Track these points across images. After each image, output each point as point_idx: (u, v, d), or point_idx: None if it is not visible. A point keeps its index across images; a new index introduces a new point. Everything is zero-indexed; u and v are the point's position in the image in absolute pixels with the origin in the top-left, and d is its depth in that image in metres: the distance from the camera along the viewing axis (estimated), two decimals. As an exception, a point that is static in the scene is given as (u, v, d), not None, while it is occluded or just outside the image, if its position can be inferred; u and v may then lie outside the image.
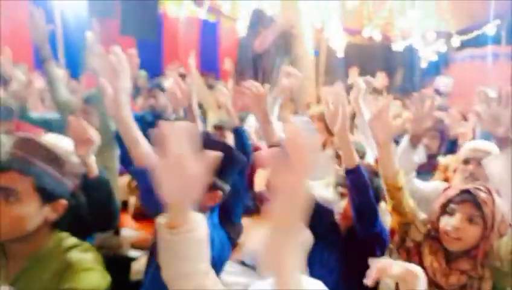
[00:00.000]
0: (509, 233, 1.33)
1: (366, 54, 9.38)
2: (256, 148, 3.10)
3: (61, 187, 1.04)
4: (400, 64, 9.18)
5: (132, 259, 2.09)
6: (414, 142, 1.98)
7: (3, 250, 1.03)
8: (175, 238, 0.72)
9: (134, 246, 2.24)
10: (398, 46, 8.43)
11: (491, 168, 1.81)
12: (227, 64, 4.48)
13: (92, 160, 1.44)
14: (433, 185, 2.11)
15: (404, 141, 2.00)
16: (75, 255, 1.01)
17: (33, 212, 0.98)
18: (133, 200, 2.56)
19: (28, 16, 2.15)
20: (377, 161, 2.82)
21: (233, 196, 2.69)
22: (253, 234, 2.71)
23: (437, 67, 8.83)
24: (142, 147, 1.12)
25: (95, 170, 1.43)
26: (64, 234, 1.05)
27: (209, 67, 7.21)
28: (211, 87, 4.56)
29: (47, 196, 1.00)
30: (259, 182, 3.91)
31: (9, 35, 4.70)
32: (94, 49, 2.29)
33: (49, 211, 1.01)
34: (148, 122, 2.84)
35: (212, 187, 1.34)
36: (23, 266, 1.00)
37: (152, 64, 6.31)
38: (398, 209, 1.50)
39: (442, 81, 8.41)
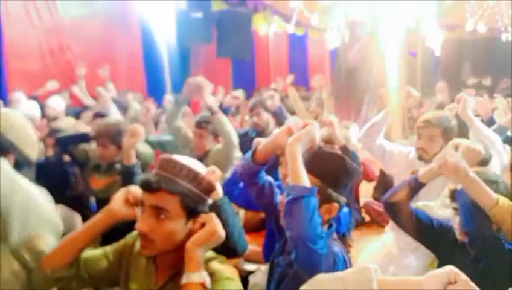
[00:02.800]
0: None
1: (468, 50, 8.59)
2: (362, 162, 3.03)
3: (202, 204, 1.12)
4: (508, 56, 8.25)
5: (249, 272, 2.16)
6: None
7: (153, 260, 1.15)
8: None
9: (248, 259, 2.31)
10: (509, 36, 7.59)
11: None
12: (316, 81, 4.49)
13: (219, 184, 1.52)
14: None
15: None
16: (216, 266, 1.09)
17: (180, 228, 1.08)
18: (241, 213, 2.65)
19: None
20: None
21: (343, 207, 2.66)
22: (365, 250, 2.62)
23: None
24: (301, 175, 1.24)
25: (221, 193, 1.50)
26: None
27: (299, 79, 7.27)
28: (304, 99, 4.58)
29: (191, 212, 1.09)
30: (365, 194, 3.81)
31: (125, 66, 5.29)
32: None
33: (192, 225, 1.10)
34: (251, 138, 2.96)
35: (329, 199, 1.33)
36: (171, 273, 1.11)
37: (247, 82, 6.59)
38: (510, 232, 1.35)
39: None
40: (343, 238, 2.60)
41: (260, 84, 6.89)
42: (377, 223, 3.36)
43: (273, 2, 7.07)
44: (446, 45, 8.22)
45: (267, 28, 7.48)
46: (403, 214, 1.65)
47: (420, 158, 2.39)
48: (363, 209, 3.55)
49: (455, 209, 1.58)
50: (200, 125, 2.52)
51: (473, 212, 1.42)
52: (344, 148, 2.52)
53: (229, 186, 1.76)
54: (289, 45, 8.34)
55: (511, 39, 7.67)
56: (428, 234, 1.65)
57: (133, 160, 1.98)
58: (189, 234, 1.08)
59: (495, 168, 2.29)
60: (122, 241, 1.24)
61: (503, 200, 1.35)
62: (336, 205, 1.34)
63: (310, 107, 4.37)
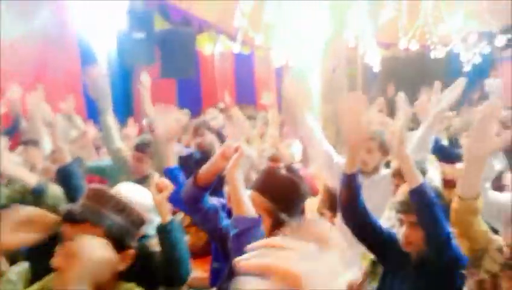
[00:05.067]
0: None
1: (403, 66, 9.17)
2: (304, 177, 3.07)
3: (129, 237, 1.06)
4: (439, 71, 8.89)
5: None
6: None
7: None
8: None
9: (191, 286, 2.23)
10: (437, 54, 8.18)
11: None
12: (265, 99, 4.54)
13: (167, 206, 1.46)
14: (508, 197, 1.94)
15: None
16: None
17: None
18: (186, 238, 2.57)
19: (84, 75, 2.29)
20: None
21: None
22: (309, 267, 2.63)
23: (483, 70, 8.44)
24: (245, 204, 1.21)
25: (168, 216, 1.44)
26: (131, 285, 1.06)
27: (246, 98, 7.33)
28: (250, 118, 4.60)
29: (116, 245, 1.01)
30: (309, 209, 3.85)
31: (62, 87, 5.03)
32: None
33: (117, 261, 1.02)
34: (196, 160, 2.90)
35: (281, 222, 1.31)
36: None
37: (193, 102, 6.53)
38: (467, 234, 1.38)
39: (491, 84, 8.01)
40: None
41: (207, 104, 6.87)
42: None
43: (217, 22, 7.12)
44: (384, 61, 8.71)
45: (213, 48, 7.50)
46: (357, 216, 1.65)
47: (362, 171, 2.46)
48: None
49: (400, 220, 1.62)
50: (139, 148, 2.43)
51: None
52: (289, 167, 2.52)
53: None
54: (235, 64, 8.41)
55: (440, 56, 8.27)
56: (379, 239, 1.66)
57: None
58: (114, 271, 1.01)
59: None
60: (40, 284, 1.13)
61: (481, 201, 1.37)
62: (287, 228, 1.32)
63: (256, 126, 4.40)
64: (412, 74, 9.28)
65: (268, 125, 4.38)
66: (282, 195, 1.31)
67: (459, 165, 2.72)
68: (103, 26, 5.22)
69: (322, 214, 3.77)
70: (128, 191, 1.60)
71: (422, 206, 1.44)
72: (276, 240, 0.56)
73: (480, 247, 1.37)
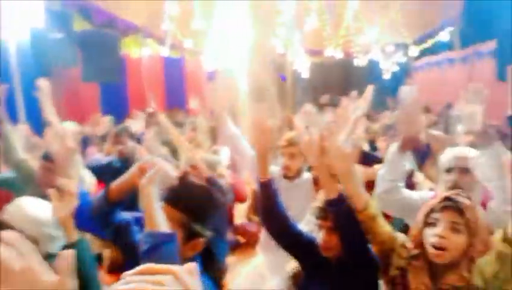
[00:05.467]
0: (492, 252, 1.28)
1: (329, 73, 9.64)
2: (232, 184, 3.06)
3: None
4: (362, 78, 9.47)
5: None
6: (403, 148, 1.92)
7: None
8: None
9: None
10: (360, 62, 8.68)
11: (479, 169, 1.81)
12: (193, 104, 4.47)
13: (72, 223, 1.36)
14: (420, 194, 2.07)
15: (393, 148, 1.94)
16: None
17: None
18: (107, 253, 2.44)
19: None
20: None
21: (216, 235, 2.62)
22: (238, 273, 2.63)
23: (400, 78, 9.12)
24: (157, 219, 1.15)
25: (75, 234, 1.34)
26: None
27: (177, 103, 7.19)
28: (179, 124, 4.50)
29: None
30: (239, 215, 3.87)
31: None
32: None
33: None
34: (116, 168, 2.76)
35: (194, 235, 1.27)
36: None
37: (119, 107, 6.24)
38: (375, 238, 1.44)
39: (407, 91, 8.66)
40: (218, 266, 2.57)
41: (134, 109, 6.60)
42: (251, 244, 3.41)
43: (144, 25, 6.91)
44: (312, 68, 9.08)
45: (140, 51, 7.26)
46: (276, 222, 1.65)
47: (285, 176, 2.50)
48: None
49: (318, 225, 1.65)
50: (47, 158, 2.24)
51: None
52: (209, 179, 2.49)
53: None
54: (165, 68, 8.22)
55: (362, 64, 8.80)
56: (296, 242, 1.68)
57: None
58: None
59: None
60: None
61: (372, 201, 1.43)
62: (201, 240, 1.28)
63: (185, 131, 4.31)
64: (338, 81, 9.81)
65: (197, 131, 4.33)
66: (195, 206, 1.26)
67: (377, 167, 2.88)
68: (15, 23, 4.79)
69: (250, 219, 3.82)
70: (25, 205, 1.46)
71: (338, 216, 1.48)
72: (150, 266, 0.53)
73: (387, 247, 1.44)
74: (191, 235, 1.23)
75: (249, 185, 3.16)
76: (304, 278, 1.72)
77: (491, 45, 7.49)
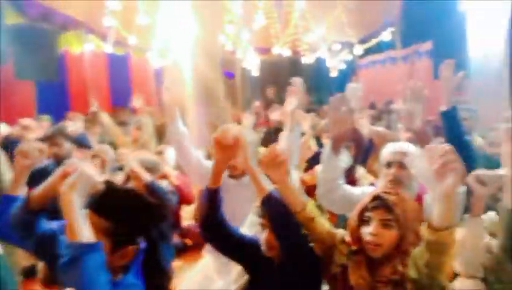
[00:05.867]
0: (422, 243, 1.32)
1: (278, 70, 9.72)
2: (178, 186, 2.99)
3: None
4: (310, 76, 9.66)
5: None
6: (336, 147, 1.96)
7: None
8: None
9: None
10: (307, 60, 8.83)
11: (416, 168, 1.87)
12: (136, 102, 4.32)
13: None
14: (362, 189, 2.12)
15: (326, 148, 1.98)
16: None
17: None
18: (41, 265, 2.28)
19: None
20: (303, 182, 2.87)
21: (161, 240, 2.53)
22: (185, 277, 2.56)
23: (346, 75, 9.40)
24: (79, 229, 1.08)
25: None
26: None
27: (123, 101, 6.90)
28: (123, 123, 4.32)
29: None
30: (186, 217, 3.78)
31: None
32: None
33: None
34: (50, 173, 2.57)
35: (123, 243, 1.19)
36: None
37: (58, 106, 5.89)
38: (315, 238, 1.47)
39: (352, 88, 8.95)
40: (162, 272, 2.49)
41: (76, 108, 6.26)
42: (198, 247, 3.33)
43: (85, 20, 6.57)
44: (262, 66, 9.10)
45: (81, 47, 6.90)
46: (216, 229, 1.62)
47: (231, 175, 2.47)
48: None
49: (261, 225, 1.63)
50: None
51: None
52: (147, 183, 2.40)
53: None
54: (109, 65, 7.88)
55: (310, 62, 8.97)
56: (237, 248, 1.66)
57: None
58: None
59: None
60: None
61: (308, 201, 1.46)
62: (131, 248, 1.21)
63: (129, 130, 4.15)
64: (287, 78, 9.89)
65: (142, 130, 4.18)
66: (121, 212, 1.19)
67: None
68: None
69: (197, 221, 3.74)
70: None
71: (273, 214, 1.48)
72: None
73: (328, 245, 1.47)
74: (119, 244, 1.16)
75: (196, 187, 3.09)
76: (249, 280, 1.70)
77: (428, 44, 7.93)
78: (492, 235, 1.79)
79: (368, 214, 1.38)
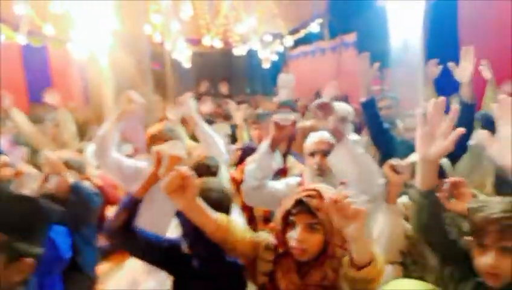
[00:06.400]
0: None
1: (210, 62, 9.60)
2: (101, 187, 2.81)
3: None
4: (243, 67, 9.67)
5: None
6: (274, 147, 1.95)
7: None
8: None
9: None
10: (239, 51, 8.79)
11: (333, 163, 1.91)
12: (49, 98, 3.98)
13: None
14: (287, 182, 2.12)
15: (264, 146, 1.95)
16: None
17: None
18: None
19: None
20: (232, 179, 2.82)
21: (85, 245, 2.37)
22: (112, 279, 2.42)
23: (278, 67, 9.52)
24: None
25: None
26: None
27: (41, 96, 6.37)
28: (39, 120, 3.97)
29: None
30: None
31: None
32: None
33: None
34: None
35: (18, 255, 1.06)
36: None
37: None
38: (235, 251, 1.38)
39: (284, 78, 9.11)
40: (86, 277, 2.33)
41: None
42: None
43: (-8, 7, 5.92)
44: (194, 58, 8.89)
45: (-11, 38, 6.23)
46: (127, 236, 1.52)
47: None
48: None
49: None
50: None
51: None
52: (73, 186, 2.24)
53: None
54: (24, 58, 7.22)
55: (242, 53, 8.95)
56: (157, 254, 1.57)
57: None
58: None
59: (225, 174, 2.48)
60: None
61: (222, 219, 1.35)
62: (28, 260, 1.08)
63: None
64: (220, 70, 9.83)
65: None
66: (15, 222, 1.06)
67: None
68: None
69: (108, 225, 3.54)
70: None
71: (182, 225, 1.44)
72: None
73: (251, 255, 1.40)
74: (14, 258, 1.03)
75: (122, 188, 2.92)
76: (173, 285, 1.63)
77: (354, 35, 8.28)
78: (407, 219, 1.88)
79: (292, 217, 1.33)
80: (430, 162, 1.33)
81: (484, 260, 1.28)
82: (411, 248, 1.91)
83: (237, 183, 2.59)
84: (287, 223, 1.34)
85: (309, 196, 1.32)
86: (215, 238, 1.33)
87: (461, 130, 1.26)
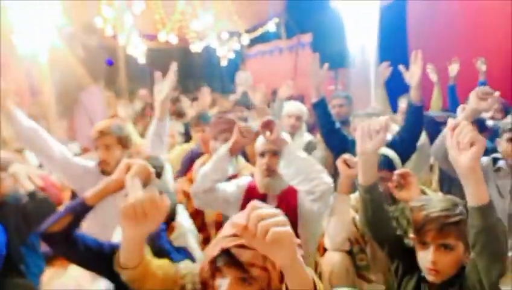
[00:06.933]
0: None
1: (166, 58, 9.35)
2: (43, 187, 2.64)
3: None
4: (200, 64, 9.53)
5: None
6: (233, 150, 1.98)
7: None
8: None
9: None
10: (196, 48, 8.66)
11: (280, 167, 1.95)
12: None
13: None
14: (237, 183, 2.12)
15: (223, 149, 1.97)
16: None
17: None
18: None
19: None
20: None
21: (31, 253, 2.23)
22: (56, 285, 2.31)
23: (236, 65, 9.48)
24: None
25: None
26: None
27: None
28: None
29: None
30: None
31: None
32: None
33: None
34: None
35: None
36: None
37: None
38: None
39: (241, 76, 9.08)
40: (29, 284, 2.19)
41: None
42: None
43: None
44: (149, 53, 8.63)
45: None
46: (65, 242, 1.42)
47: (103, 172, 2.27)
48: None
49: None
50: None
51: None
52: (31, 194, 2.13)
53: None
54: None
55: (199, 50, 8.82)
56: (98, 262, 1.47)
57: None
58: None
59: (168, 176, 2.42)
60: None
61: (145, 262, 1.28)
62: None
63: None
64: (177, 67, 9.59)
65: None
66: None
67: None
68: None
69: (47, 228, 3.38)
70: None
71: None
72: None
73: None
74: None
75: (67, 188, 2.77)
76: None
77: (310, 36, 8.40)
78: (356, 211, 1.94)
79: (220, 266, 1.10)
80: (369, 155, 1.43)
81: (425, 256, 1.34)
82: (359, 237, 2.00)
83: (186, 194, 2.53)
84: (216, 269, 1.13)
85: (239, 246, 1.06)
86: (133, 276, 1.27)
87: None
